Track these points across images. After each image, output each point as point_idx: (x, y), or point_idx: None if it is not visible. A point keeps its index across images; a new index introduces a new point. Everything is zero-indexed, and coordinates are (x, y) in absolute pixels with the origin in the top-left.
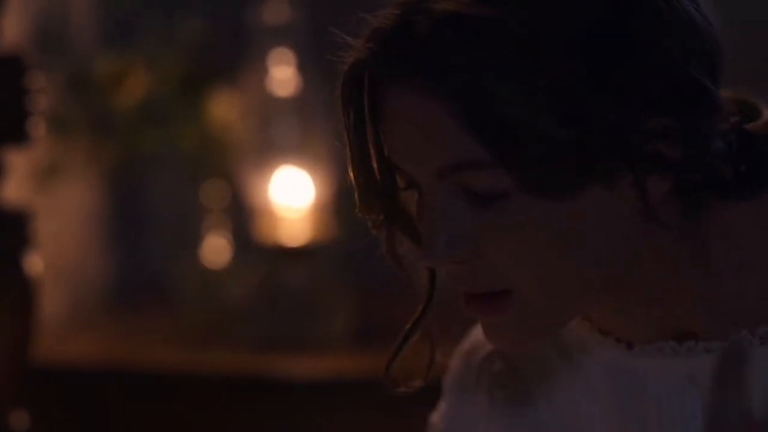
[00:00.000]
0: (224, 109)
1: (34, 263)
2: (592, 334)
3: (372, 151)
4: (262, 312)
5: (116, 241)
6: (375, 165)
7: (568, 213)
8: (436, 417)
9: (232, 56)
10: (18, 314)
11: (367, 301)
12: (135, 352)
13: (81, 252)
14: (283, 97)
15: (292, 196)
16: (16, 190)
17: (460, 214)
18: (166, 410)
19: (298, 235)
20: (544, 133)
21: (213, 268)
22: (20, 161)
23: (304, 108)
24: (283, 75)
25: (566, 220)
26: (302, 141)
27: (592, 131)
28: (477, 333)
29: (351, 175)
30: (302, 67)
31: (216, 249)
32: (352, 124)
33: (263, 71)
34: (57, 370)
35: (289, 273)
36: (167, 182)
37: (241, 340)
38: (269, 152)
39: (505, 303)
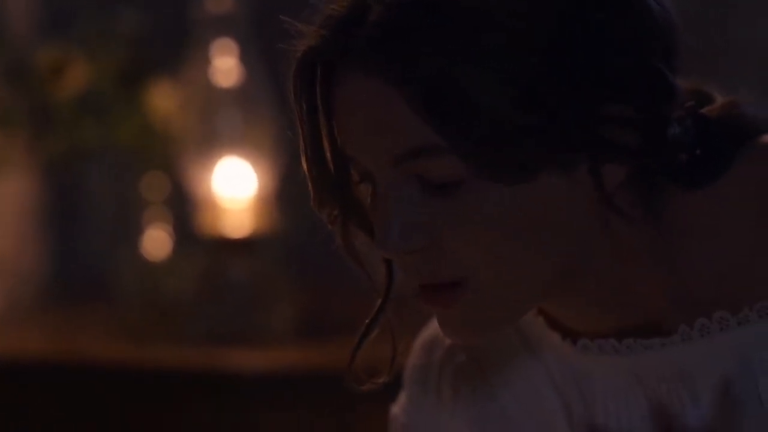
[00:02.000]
0: (165, 100)
1: None
2: (542, 329)
3: (325, 143)
4: (205, 305)
5: (55, 235)
6: (329, 157)
7: (524, 200)
8: (397, 409)
9: (174, 47)
10: None
11: (310, 293)
12: (75, 347)
13: (18, 245)
14: (225, 88)
15: (234, 187)
16: None
17: (414, 202)
18: (108, 405)
19: (241, 226)
20: (498, 118)
21: (154, 261)
22: None
23: (246, 99)
24: (225, 66)
25: (522, 207)
26: (245, 132)
27: (547, 117)
28: (436, 325)
29: (304, 167)
30: (245, 58)
31: (157, 242)
32: (305, 115)
33: (206, 62)
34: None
35: (232, 265)
36: (107, 175)
37: (184, 333)
38: (212, 143)
39: (459, 293)
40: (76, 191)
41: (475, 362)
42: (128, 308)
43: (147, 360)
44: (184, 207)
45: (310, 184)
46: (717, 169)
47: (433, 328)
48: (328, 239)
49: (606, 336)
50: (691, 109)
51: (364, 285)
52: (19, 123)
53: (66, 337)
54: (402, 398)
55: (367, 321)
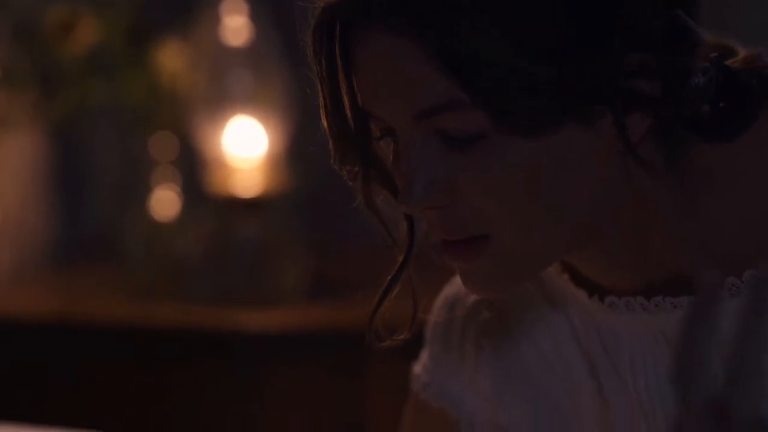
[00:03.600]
0: (174, 59)
1: None
2: (567, 286)
3: (345, 100)
4: (214, 265)
5: (63, 195)
6: (348, 114)
7: (547, 154)
8: (418, 368)
9: (184, 5)
10: None
11: (320, 253)
12: (84, 307)
13: (26, 206)
14: (235, 47)
15: (244, 146)
16: None
17: (436, 158)
18: (116, 365)
19: (251, 186)
20: (520, 70)
21: (162, 221)
22: None
23: (257, 58)
24: (235, 24)
25: (545, 161)
26: (255, 91)
27: (570, 68)
28: (458, 283)
29: (324, 124)
30: (255, 17)
31: (165, 202)
32: (324, 73)
33: (215, 20)
34: (5, 324)
35: (242, 225)
36: (115, 135)
37: (192, 293)
38: (221, 102)
39: (482, 248)
40: (84, 151)
41: (499, 319)
42: (136, 268)
43: (155, 320)
44: (193, 167)
45: (330, 141)
46: (742, 122)
47: (455, 285)
48: (337, 199)
49: (634, 294)
50: (714, 61)
51: (379, 243)
52: (26, 82)
53: (73, 297)
54: (424, 356)
55: (389, 277)
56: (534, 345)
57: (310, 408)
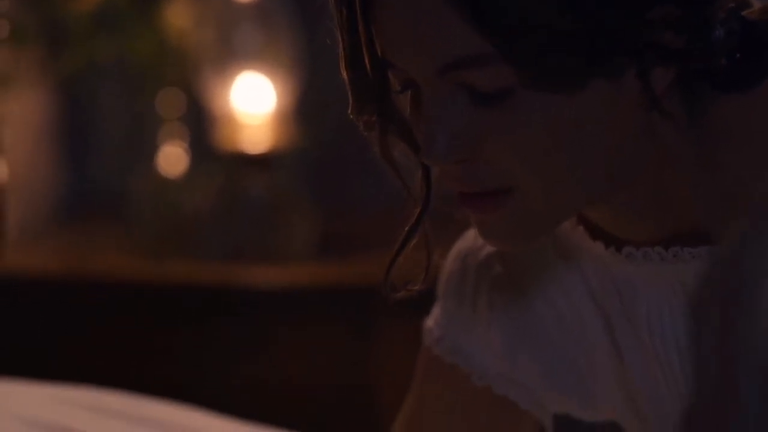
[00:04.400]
0: (181, 15)
1: (0, 169)
2: (583, 238)
3: (365, 50)
4: (222, 222)
5: (70, 152)
6: (368, 65)
7: (573, 108)
8: (431, 322)
9: None
10: None
11: (328, 209)
12: (91, 263)
13: (33, 163)
14: (243, 2)
15: (252, 102)
16: None
17: (461, 112)
18: (125, 321)
19: (259, 142)
20: (548, 24)
21: (170, 178)
22: None
23: (265, 13)
24: None
25: (570, 115)
26: (263, 47)
27: (596, 21)
28: (471, 237)
29: (343, 74)
30: None
31: (173, 158)
32: (345, 22)
33: None
34: (13, 280)
35: (250, 182)
36: (122, 92)
37: (201, 250)
38: (229, 58)
39: (503, 201)
40: (91, 108)
41: (511, 274)
42: (144, 225)
43: (163, 277)
44: (200, 123)
45: (348, 91)
46: (759, 73)
47: (467, 239)
48: (345, 156)
49: (651, 244)
50: (732, 12)
51: (387, 200)
52: (33, 39)
53: (81, 254)
54: (436, 311)
55: (406, 229)
56: (548, 301)
57: (318, 364)
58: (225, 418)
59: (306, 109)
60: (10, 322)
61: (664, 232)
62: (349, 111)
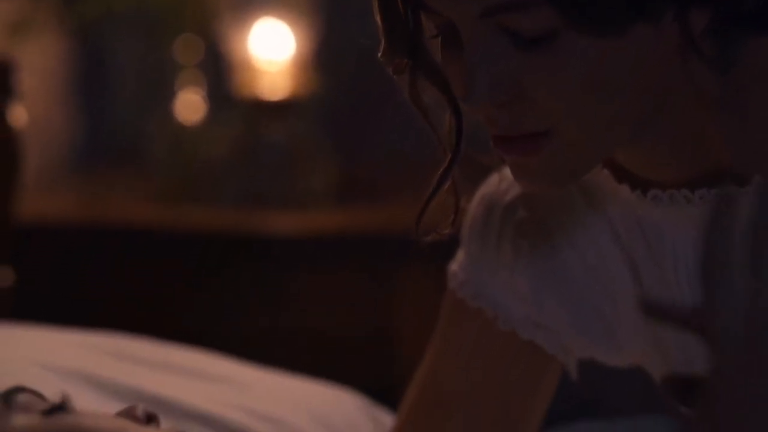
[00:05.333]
0: None
1: (18, 115)
2: (609, 182)
3: None
4: (241, 168)
5: (87, 100)
6: (402, 7)
7: (612, 51)
8: (455, 267)
9: None
10: (1, 167)
11: (347, 156)
12: (110, 210)
13: (50, 110)
14: None
15: (271, 48)
16: None
17: (501, 55)
18: (143, 267)
19: (278, 89)
20: None
21: (187, 125)
22: None
23: None
24: None
25: (610, 58)
26: None
27: None
28: (495, 182)
29: (376, 16)
30: None
31: (190, 105)
32: None
33: None
34: (32, 227)
35: (269, 128)
36: (140, 38)
37: (219, 196)
38: (248, 4)
39: (540, 144)
40: (108, 55)
41: (537, 219)
42: (161, 173)
43: (182, 223)
44: (218, 70)
45: (381, 34)
46: None
47: (490, 185)
48: (363, 103)
49: (678, 187)
50: None
51: (405, 147)
52: None
53: (99, 201)
54: (460, 255)
55: (438, 174)
56: (573, 245)
57: (337, 311)
58: (247, 365)
59: (325, 55)
60: (30, 269)
61: (691, 174)
62: (380, 54)
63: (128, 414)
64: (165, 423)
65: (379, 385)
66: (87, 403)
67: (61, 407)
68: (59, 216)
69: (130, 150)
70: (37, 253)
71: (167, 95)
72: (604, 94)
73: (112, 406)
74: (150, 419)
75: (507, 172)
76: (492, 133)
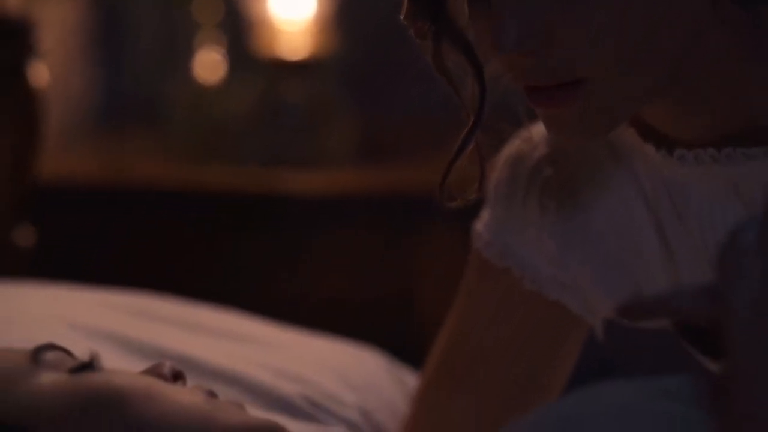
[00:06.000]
0: None
1: (39, 74)
2: (635, 140)
3: None
4: (260, 128)
5: (106, 59)
6: None
7: None
8: (480, 226)
9: None
10: (22, 126)
11: (368, 116)
12: (130, 169)
13: (70, 69)
14: None
15: (292, 8)
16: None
17: (532, 2)
18: (166, 226)
19: (298, 48)
20: None
21: (206, 85)
22: None
23: None
24: None
25: (644, 5)
26: None
27: None
28: (521, 141)
29: None
30: None
31: (210, 65)
32: None
33: None
34: (53, 187)
35: (289, 88)
36: None
37: (239, 156)
38: None
39: (573, 93)
40: (127, 14)
41: (563, 177)
42: (181, 132)
43: (201, 183)
44: (238, 29)
45: None
46: None
47: (515, 145)
48: (383, 63)
49: (704, 146)
50: None
51: (432, 103)
52: None
53: (119, 161)
54: (485, 215)
55: (461, 137)
56: (601, 206)
57: (357, 270)
58: (270, 324)
59: (345, 15)
60: (51, 229)
61: (719, 133)
62: (402, 17)
63: (155, 372)
64: (190, 381)
65: (399, 346)
66: (113, 361)
67: (89, 365)
68: (79, 176)
69: (149, 110)
70: (58, 213)
71: (186, 55)
72: (637, 38)
73: (138, 365)
74: (177, 377)
75: (533, 131)
76: (524, 84)
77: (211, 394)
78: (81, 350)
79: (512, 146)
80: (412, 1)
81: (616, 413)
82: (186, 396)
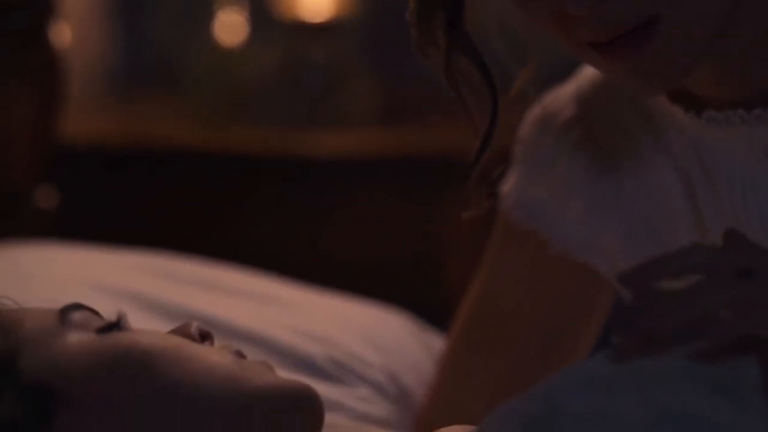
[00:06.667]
0: None
1: (60, 35)
2: (664, 103)
3: None
4: (282, 90)
5: (125, 20)
6: None
7: None
8: (507, 188)
9: None
10: (44, 87)
11: (390, 77)
12: (153, 131)
13: (90, 31)
14: None
15: None
16: None
17: None
18: (188, 188)
19: (320, 10)
20: None
21: (228, 47)
22: None
23: None
24: None
25: None
26: None
27: None
28: (548, 102)
29: None
30: None
31: (231, 27)
32: None
33: None
34: (75, 148)
35: (311, 49)
36: None
37: (260, 118)
38: None
39: (648, 33)
40: None
41: (593, 139)
42: (202, 95)
43: (223, 144)
44: None
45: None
46: None
47: (542, 105)
48: (408, 23)
49: (733, 107)
50: None
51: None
52: None
53: (140, 122)
54: (512, 176)
55: (477, 148)
56: (629, 167)
57: (381, 232)
58: (293, 285)
59: None
60: (72, 191)
61: (750, 90)
62: (412, 30)
63: (182, 332)
64: (216, 342)
65: (425, 308)
66: (137, 322)
67: (116, 325)
68: (101, 137)
69: (170, 71)
70: (80, 175)
71: (207, 16)
72: None
73: (162, 326)
74: (204, 337)
75: (559, 92)
76: (596, 40)
77: (239, 355)
78: (106, 311)
79: (538, 107)
80: (425, 15)
81: (647, 373)
82: (214, 356)
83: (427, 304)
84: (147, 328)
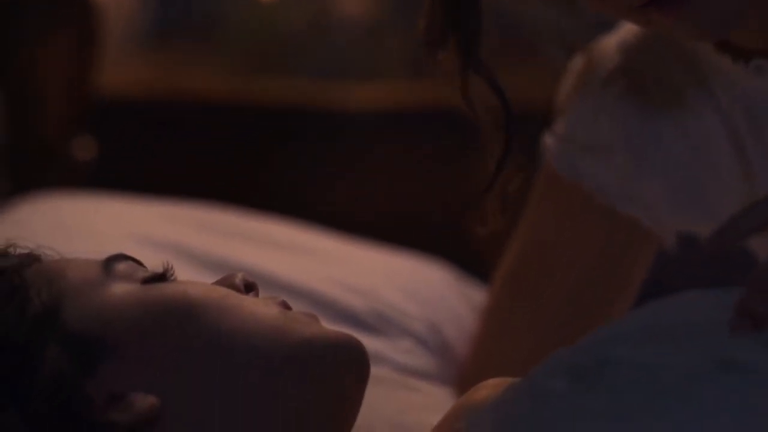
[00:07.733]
0: None
1: None
2: (710, 53)
3: None
4: (316, 41)
5: None
6: None
7: None
8: (550, 140)
9: None
10: (81, 39)
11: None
12: (188, 83)
13: None
14: None
15: None
16: None
17: None
18: (223, 139)
19: None
20: None
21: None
22: None
23: None
24: None
25: None
26: None
27: None
28: (593, 52)
29: None
30: None
31: None
32: None
33: None
34: (111, 100)
35: (345, 1)
36: None
37: (296, 69)
38: None
39: None
40: None
41: (637, 88)
42: (237, 46)
43: (258, 96)
44: None
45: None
46: None
47: (586, 57)
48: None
49: None
50: None
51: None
52: None
53: (175, 74)
54: (556, 128)
55: (496, 164)
56: (674, 118)
57: (416, 183)
58: (333, 237)
59: None
60: (109, 142)
61: None
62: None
63: (227, 282)
64: (261, 293)
65: (466, 259)
66: (179, 274)
67: (162, 276)
68: (137, 88)
69: (205, 24)
70: (116, 126)
71: None
72: None
73: (205, 278)
74: (249, 288)
75: (603, 44)
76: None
77: (285, 306)
78: (149, 262)
79: (577, 62)
80: (436, 40)
81: (697, 326)
82: (260, 307)
83: (463, 256)
84: (191, 279)
